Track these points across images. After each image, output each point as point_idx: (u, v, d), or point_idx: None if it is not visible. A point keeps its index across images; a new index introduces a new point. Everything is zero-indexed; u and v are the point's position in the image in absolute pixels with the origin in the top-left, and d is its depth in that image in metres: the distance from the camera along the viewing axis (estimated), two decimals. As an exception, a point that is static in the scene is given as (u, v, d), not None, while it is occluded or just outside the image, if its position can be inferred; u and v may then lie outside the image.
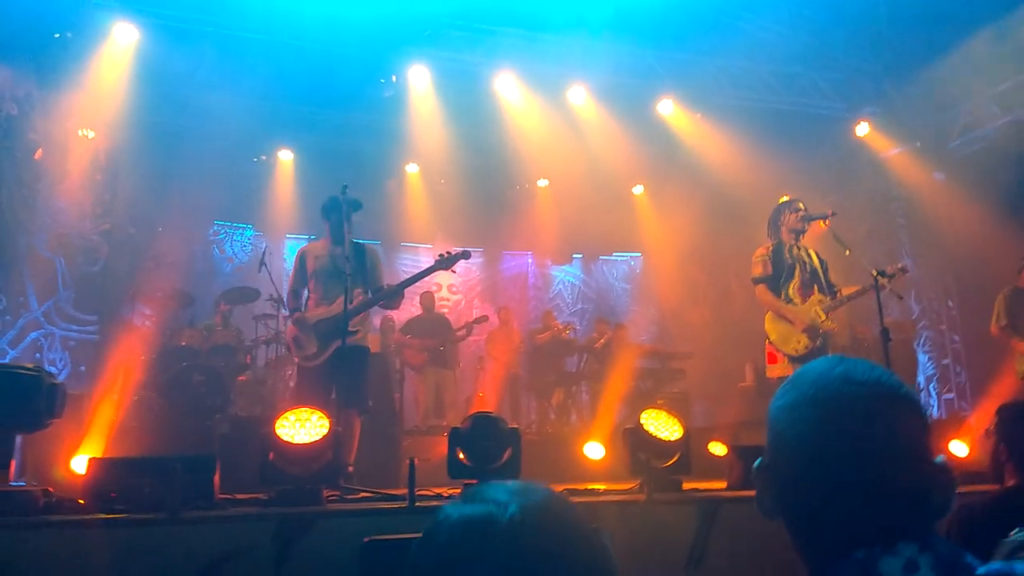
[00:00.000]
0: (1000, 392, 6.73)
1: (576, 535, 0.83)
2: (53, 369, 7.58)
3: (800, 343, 5.21)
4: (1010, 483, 2.54)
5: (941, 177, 10.02)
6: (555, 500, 0.86)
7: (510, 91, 9.00)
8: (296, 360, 5.17)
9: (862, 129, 9.86)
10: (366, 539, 2.57)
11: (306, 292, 5.26)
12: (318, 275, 5.11)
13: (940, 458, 0.98)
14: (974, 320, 9.74)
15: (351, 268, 4.84)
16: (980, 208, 8.83)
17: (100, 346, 7.77)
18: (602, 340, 9.30)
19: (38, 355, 7.71)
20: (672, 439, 3.87)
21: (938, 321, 10.58)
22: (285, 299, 5.56)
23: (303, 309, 5.18)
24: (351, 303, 4.79)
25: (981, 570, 0.90)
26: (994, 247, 8.23)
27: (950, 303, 10.44)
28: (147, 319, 7.66)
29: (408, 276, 5.43)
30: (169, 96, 8.59)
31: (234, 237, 11.05)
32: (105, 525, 2.90)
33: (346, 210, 5.04)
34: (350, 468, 4.74)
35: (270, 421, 3.42)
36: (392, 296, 5.12)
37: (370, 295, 5.03)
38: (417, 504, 3.25)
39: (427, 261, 5.45)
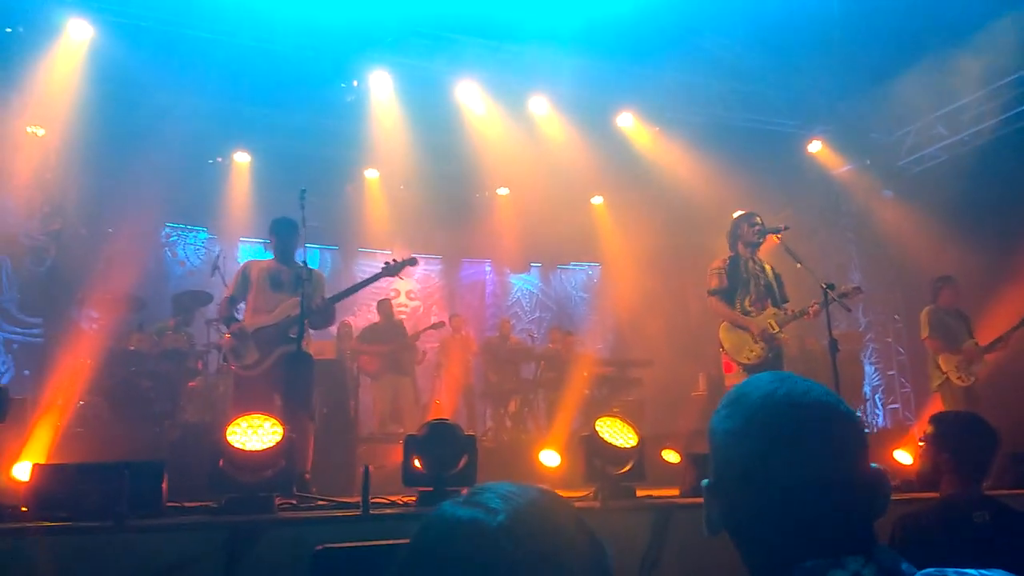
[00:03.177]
0: (936, 404, 6.98)
1: (567, 544, 0.83)
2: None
3: (753, 352, 5.30)
4: (950, 491, 2.63)
5: (890, 194, 10.34)
6: (550, 508, 0.86)
7: (472, 99, 9.03)
8: (234, 369, 5.08)
9: (815, 146, 10.12)
10: (318, 547, 2.54)
11: (243, 304, 5.21)
12: (258, 287, 5.08)
13: (874, 465, 1.02)
14: (919, 333, 10.06)
15: (291, 281, 4.89)
16: (927, 225, 9.13)
17: (45, 349, 7.55)
18: (555, 347, 9.37)
19: (-20, 358, 7.47)
20: (627, 446, 3.91)
21: (885, 334, 10.89)
22: (220, 305, 5.43)
23: (238, 318, 5.13)
24: (292, 313, 4.78)
25: (924, 572, 0.93)
26: (940, 263, 8.51)
27: (897, 316, 10.76)
28: (94, 322, 7.47)
29: (353, 293, 5.34)
30: (124, 95, 8.40)
31: (187, 240, 10.83)
32: (48, 533, 2.81)
33: (291, 233, 5.07)
34: (307, 475, 4.69)
35: (221, 428, 3.36)
36: (322, 313, 5.01)
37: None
38: (371, 512, 3.22)
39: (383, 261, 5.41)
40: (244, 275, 5.19)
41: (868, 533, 0.96)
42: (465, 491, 0.91)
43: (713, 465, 1.06)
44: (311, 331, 5.34)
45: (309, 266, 5.12)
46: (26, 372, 7.76)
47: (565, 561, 0.82)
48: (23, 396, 6.10)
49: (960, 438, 2.66)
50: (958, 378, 6.54)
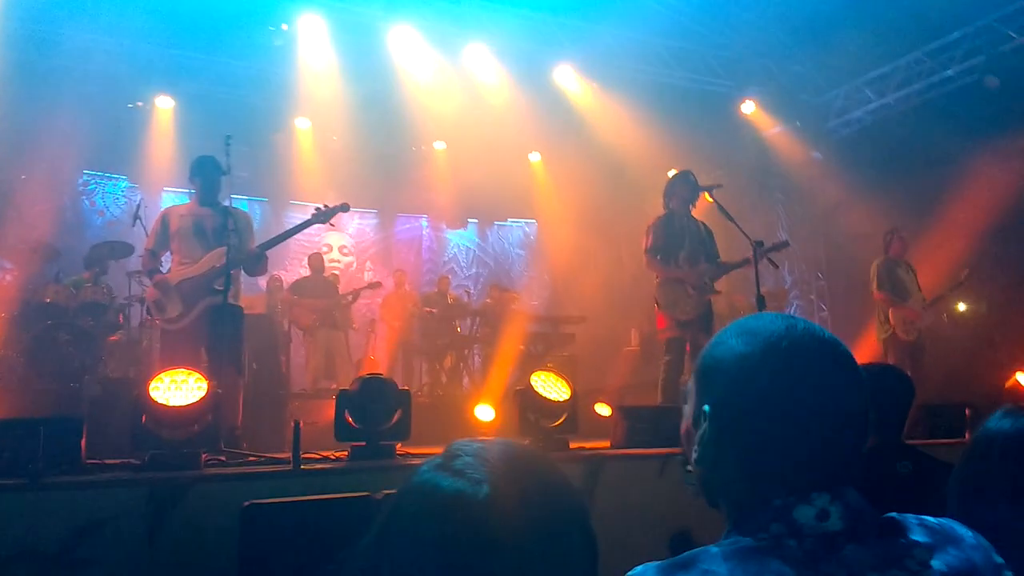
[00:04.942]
0: (866, 352, 7.28)
1: (552, 508, 0.82)
2: None
3: (688, 307, 5.43)
4: (872, 443, 2.72)
5: (819, 156, 10.60)
6: (531, 471, 0.85)
7: (408, 48, 8.78)
8: (158, 323, 4.91)
9: (748, 107, 10.25)
10: (246, 503, 2.50)
11: (168, 255, 5.01)
12: (181, 235, 4.85)
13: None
14: (841, 291, 10.46)
15: (217, 229, 4.67)
16: (852, 187, 9.42)
17: (-47, 302, 7.13)
18: (490, 302, 9.39)
19: None
20: (560, 400, 3.95)
21: (808, 291, 11.28)
22: (142, 258, 5.20)
23: (163, 271, 4.94)
24: (217, 264, 4.62)
25: (886, 515, 0.97)
26: (862, 224, 8.81)
27: (820, 275, 11.14)
28: (7, 273, 7.09)
29: (284, 240, 5.17)
30: (36, 33, 7.88)
31: (106, 189, 10.34)
32: (-44, 492, 2.68)
33: (215, 172, 4.86)
34: (237, 431, 4.59)
35: (143, 383, 3.24)
36: (255, 261, 4.88)
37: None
38: (302, 467, 3.18)
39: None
40: (163, 225, 4.94)
41: (850, 473, 0.96)
42: (440, 452, 0.88)
43: (716, 392, 1.00)
44: (243, 280, 5.20)
45: (235, 208, 4.95)
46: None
47: (552, 526, 0.81)
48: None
49: (879, 390, 2.74)
50: (904, 332, 6.80)
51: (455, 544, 0.78)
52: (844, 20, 8.56)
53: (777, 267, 5.66)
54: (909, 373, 6.21)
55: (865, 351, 7.40)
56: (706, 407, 1.01)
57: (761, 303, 4.98)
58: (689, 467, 1.04)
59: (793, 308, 11.36)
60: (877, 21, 8.42)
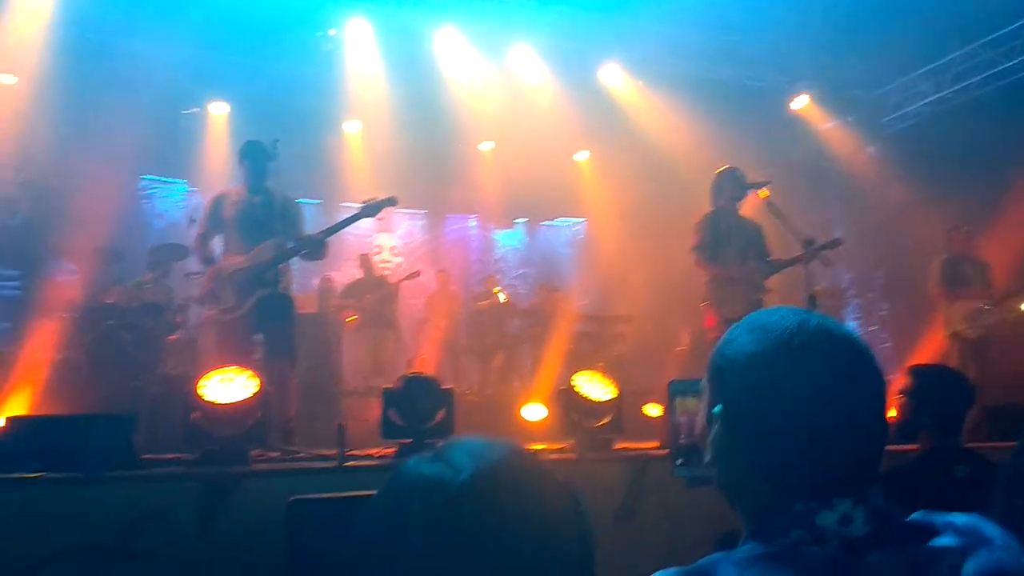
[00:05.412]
0: (927, 351, 7.05)
1: (533, 504, 0.83)
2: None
3: (738, 305, 5.32)
4: (929, 445, 2.63)
5: (874, 151, 10.32)
6: (517, 466, 0.86)
7: (453, 50, 8.85)
8: (214, 314, 4.98)
9: (800, 102, 10.02)
10: (291, 498, 2.55)
11: (218, 240, 5.06)
12: (235, 223, 4.88)
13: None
14: (901, 289, 10.14)
15: (265, 218, 4.75)
16: (909, 182, 9.13)
17: (23, 302, 7.44)
18: (538, 302, 9.40)
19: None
20: (603, 400, 3.93)
21: (867, 289, 10.98)
22: (194, 245, 5.26)
23: (215, 260, 4.99)
24: (267, 256, 4.68)
25: (912, 516, 0.93)
26: (922, 220, 8.53)
27: (879, 272, 10.83)
28: (71, 275, 7.37)
29: (339, 230, 5.23)
30: (95, 42, 8.17)
31: (165, 193, 10.66)
32: (19, 485, 2.80)
33: (262, 157, 4.91)
34: (291, 423, 4.63)
35: (194, 380, 3.34)
36: (315, 246, 4.91)
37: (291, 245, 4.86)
38: (346, 464, 3.23)
39: (365, 219, 5.32)
40: (215, 211, 4.99)
41: (872, 475, 0.93)
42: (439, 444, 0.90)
43: (727, 393, 0.97)
44: (295, 279, 5.28)
45: (283, 195, 5.00)
46: (5, 325, 7.67)
47: (530, 520, 0.82)
48: (2, 350, 6.07)
49: (938, 392, 2.66)
50: (967, 329, 6.57)
51: (433, 525, 0.80)
52: (897, 11, 8.30)
53: (829, 265, 5.51)
54: (973, 372, 6.05)
55: (928, 349, 7.18)
56: (717, 408, 0.98)
57: (811, 302, 4.87)
58: (680, 460, 1.02)
59: (852, 306, 11.07)
60: (931, 12, 8.13)
